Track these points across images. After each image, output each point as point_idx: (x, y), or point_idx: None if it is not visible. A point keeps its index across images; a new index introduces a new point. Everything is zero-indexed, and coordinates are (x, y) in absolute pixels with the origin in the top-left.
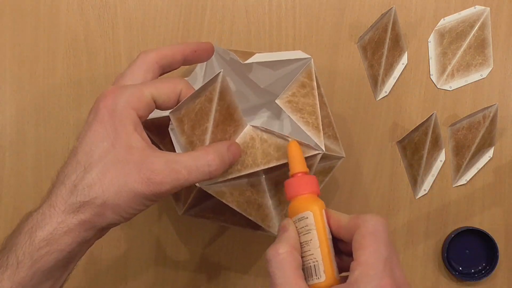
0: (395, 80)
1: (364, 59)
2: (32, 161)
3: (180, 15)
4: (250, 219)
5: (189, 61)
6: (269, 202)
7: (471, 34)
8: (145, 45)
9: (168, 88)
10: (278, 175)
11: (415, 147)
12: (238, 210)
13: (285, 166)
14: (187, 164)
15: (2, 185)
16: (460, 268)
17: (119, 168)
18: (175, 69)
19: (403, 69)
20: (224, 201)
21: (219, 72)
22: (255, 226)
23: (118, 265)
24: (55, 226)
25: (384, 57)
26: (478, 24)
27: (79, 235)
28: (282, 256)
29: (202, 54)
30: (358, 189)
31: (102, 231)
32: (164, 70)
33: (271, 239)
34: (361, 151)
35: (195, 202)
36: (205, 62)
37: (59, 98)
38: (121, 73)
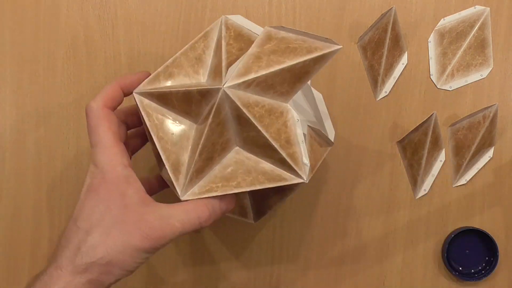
0: (395, 80)
1: (364, 59)
2: (32, 161)
3: (180, 15)
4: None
5: (129, 93)
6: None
7: (471, 34)
8: (145, 45)
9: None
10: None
11: (415, 147)
12: (250, 189)
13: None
14: (180, 218)
15: (2, 185)
16: (460, 268)
17: (119, 228)
18: (120, 103)
19: (403, 69)
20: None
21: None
22: (284, 191)
23: None
24: (64, 285)
25: (384, 57)
26: (478, 24)
27: None
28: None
29: (140, 79)
30: (358, 189)
31: (109, 286)
32: (114, 108)
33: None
34: (361, 151)
35: None
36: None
37: (59, 98)
38: (89, 135)
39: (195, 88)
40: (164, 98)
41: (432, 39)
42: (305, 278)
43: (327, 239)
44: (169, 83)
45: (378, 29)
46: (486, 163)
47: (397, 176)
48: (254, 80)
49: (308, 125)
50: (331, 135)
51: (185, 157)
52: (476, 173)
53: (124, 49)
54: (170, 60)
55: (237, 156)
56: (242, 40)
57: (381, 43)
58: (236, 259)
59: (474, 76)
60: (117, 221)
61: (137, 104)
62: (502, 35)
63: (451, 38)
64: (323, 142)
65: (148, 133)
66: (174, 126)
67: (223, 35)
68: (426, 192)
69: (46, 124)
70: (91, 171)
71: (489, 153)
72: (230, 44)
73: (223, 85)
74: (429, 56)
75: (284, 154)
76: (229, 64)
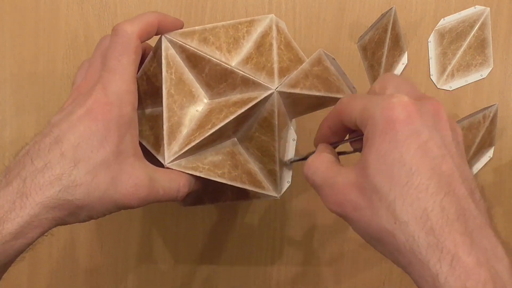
0: None
1: (364, 59)
2: None
3: (180, 15)
4: (240, 192)
5: (162, 32)
6: (254, 167)
7: (471, 34)
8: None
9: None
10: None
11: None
12: (231, 183)
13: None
14: (164, 184)
15: None
16: None
17: (108, 174)
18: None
19: (403, 69)
20: (215, 179)
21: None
22: (247, 196)
23: (118, 264)
24: (27, 219)
25: (384, 57)
26: (478, 24)
27: (44, 231)
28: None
29: (176, 26)
30: None
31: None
32: (143, 42)
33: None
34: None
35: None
36: None
37: (59, 98)
38: (108, 57)
39: (241, 72)
40: (196, 61)
41: (432, 39)
42: (305, 278)
43: (327, 239)
44: (200, 46)
45: (378, 29)
46: (486, 163)
47: None
48: (296, 94)
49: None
50: (282, 185)
51: (186, 126)
52: (476, 173)
53: None
54: (209, 25)
55: (232, 147)
56: (291, 52)
57: (381, 43)
58: (236, 259)
59: (474, 76)
60: (108, 165)
61: (158, 48)
62: (502, 35)
63: (451, 38)
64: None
65: (144, 77)
66: (188, 91)
67: (274, 35)
68: None
69: (46, 124)
70: (96, 96)
71: (489, 153)
72: (281, 49)
73: (277, 87)
74: (429, 56)
75: (277, 168)
76: (281, 69)
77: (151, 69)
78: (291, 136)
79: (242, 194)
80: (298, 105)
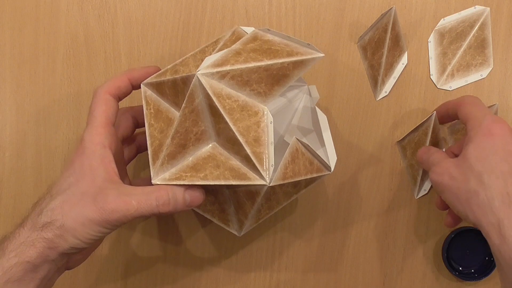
0: (395, 80)
1: (364, 59)
2: (32, 161)
3: (180, 15)
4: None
5: (137, 85)
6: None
7: (471, 34)
8: (145, 45)
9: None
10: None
11: (415, 147)
12: (214, 182)
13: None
14: (137, 197)
15: (2, 185)
16: (460, 268)
17: (79, 197)
18: (128, 94)
19: (403, 69)
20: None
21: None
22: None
23: (118, 265)
24: (23, 241)
25: (384, 57)
26: (478, 24)
27: (43, 252)
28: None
29: (149, 73)
30: (358, 189)
31: (66, 256)
32: (120, 98)
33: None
34: (361, 151)
35: None
36: None
37: (59, 98)
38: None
39: (179, 75)
40: (160, 88)
41: (432, 39)
42: (305, 278)
43: (327, 239)
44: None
45: (378, 29)
46: None
47: (397, 176)
48: (228, 72)
49: (297, 138)
50: (332, 161)
51: (166, 145)
52: None
53: (124, 49)
54: (179, 60)
55: (211, 150)
56: (235, 42)
57: (381, 43)
58: (237, 261)
59: (474, 76)
60: (80, 192)
61: (142, 95)
62: (502, 35)
63: (451, 38)
64: (318, 164)
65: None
66: (165, 115)
67: (225, 38)
68: (426, 192)
69: (46, 124)
70: (76, 146)
71: None
72: (226, 45)
73: (198, 71)
74: (429, 56)
75: (248, 151)
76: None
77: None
78: (269, 119)
79: (252, 198)
80: (251, 82)
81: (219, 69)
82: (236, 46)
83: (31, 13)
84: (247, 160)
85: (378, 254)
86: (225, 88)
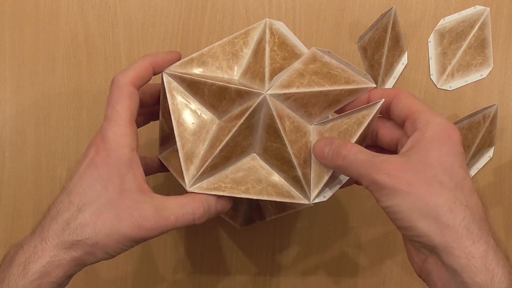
0: (395, 80)
1: (364, 59)
2: (32, 161)
3: (180, 15)
4: (278, 205)
5: (158, 72)
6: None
7: (471, 34)
8: (145, 45)
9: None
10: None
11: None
12: (257, 197)
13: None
14: (175, 211)
15: (2, 185)
16: None
17: (112, 211)
18: (147, 82)
19: (403, 69)
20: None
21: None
22: (285, 208)
23: (118, 265)
24: (48, 260)
25: (384, 57)
26: (478, 24)
27: (69, 270)
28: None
29: (172, 59)
30: (358, 188)
31: (87, 265)
32: (140, 86)
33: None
34: None
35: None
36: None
37: (59, 98)
38: (106, 107)
39: (234, 86)
40: (196, 87)
41: (432, 39)
42: (305, 278)
43: (327, 239)
44: (201, 71)
45: (378, 29)
46: (486, 163)
47: None
48: (293, 94)
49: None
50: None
51: (200, 149)
52: (476, 173)
53: (124, 49)
54: (206, 49)
55: (252, 162)
56: (286, 50)
57: (381, 43)
58: (237, 262)
59: (474, 76)
60: (111, 204)
61: (163, 84)
62: (502, 35)
63: (451, 38)
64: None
65: (163, 116)
66: (196, 115)
67: (267, 39)
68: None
69: (46, 124)
70: (97, 145)
71: (489, 153)
72: (274, 51)
73: (266, 91)
74: (429, 56)
75: (300, 173)
76: (273, 71)
77: (163, 107)
78: (312, 138)
79: (281, 208)
80: (308, 105)
81: (286, 91)
82: (298, 66)
83: (31, 13)
84: (294, 180)
85: (378, 254)
86: (286, 109)
